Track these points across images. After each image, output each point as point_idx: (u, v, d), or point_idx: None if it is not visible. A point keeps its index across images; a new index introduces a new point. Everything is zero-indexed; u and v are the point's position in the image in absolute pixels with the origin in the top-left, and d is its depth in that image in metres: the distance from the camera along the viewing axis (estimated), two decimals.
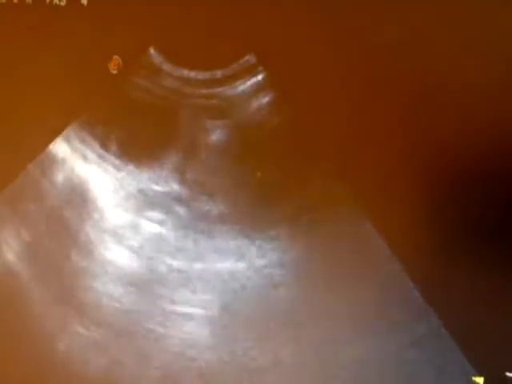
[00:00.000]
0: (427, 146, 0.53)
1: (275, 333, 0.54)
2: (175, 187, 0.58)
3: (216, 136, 0.57)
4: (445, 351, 0.52)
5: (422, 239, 0.52)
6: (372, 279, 0.54)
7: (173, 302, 0.55)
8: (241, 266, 0.56)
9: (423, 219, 0.52)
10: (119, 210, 0.58)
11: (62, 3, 0.57)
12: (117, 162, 0.59)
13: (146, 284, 0.56)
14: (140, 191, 0.58)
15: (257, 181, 0.56)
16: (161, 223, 0.58)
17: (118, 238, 0.57)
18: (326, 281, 0.54)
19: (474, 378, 0.51)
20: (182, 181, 0.58)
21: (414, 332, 0.52)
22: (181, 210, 0.57)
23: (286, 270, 0.55)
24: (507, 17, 0.49)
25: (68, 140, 0.59)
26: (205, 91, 0.58)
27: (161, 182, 0.58)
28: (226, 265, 0.56)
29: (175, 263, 0.56)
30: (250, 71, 0.56)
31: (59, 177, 0.59)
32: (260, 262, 0.55)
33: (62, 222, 0.58)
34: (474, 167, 0.51)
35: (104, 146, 0.59)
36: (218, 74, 0.57)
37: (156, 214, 0.58)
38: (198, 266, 0.56)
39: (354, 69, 0.54)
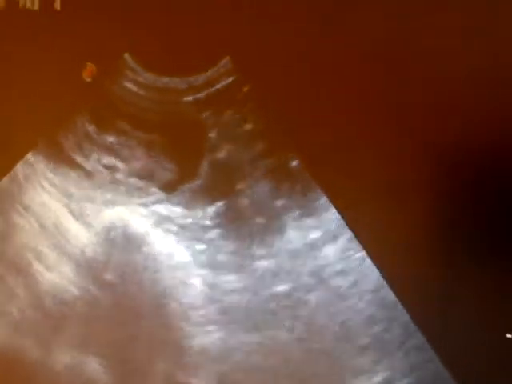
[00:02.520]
0: (424, 151, 0.52)
1: None
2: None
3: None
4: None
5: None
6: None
7: None
8: None
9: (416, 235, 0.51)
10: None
11: (35, 7, 0.55)
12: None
13: None
14: None
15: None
16: None
17: None
18: None
19: None
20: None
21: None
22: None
23: None
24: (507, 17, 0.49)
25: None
26: (182, 98, 0.56)
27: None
28: None
29: None
30: (227, 75, 0.55)
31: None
32: None
33: None
34: (475, 168, 0.51)
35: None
36: (195, 80, 0.55)
37: None
38: None
39: (335, 70, 0.53)
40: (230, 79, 0.55)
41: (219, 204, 0.56)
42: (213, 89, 0.55)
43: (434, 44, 0.51)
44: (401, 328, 0.52)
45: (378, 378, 0.51)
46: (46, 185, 0.57)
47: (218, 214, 0.56)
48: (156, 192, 0.57)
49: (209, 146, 0.56)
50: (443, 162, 0.52)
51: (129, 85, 0.57)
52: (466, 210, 0.52)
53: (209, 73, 0.55)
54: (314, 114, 0.54)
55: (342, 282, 0.54)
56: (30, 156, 0.58)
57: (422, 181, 0.52)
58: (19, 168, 0.57)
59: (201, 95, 0.55)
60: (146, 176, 0.57)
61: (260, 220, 0.55)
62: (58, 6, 0.55)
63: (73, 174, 0.58)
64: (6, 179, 0.57)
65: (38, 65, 0.57)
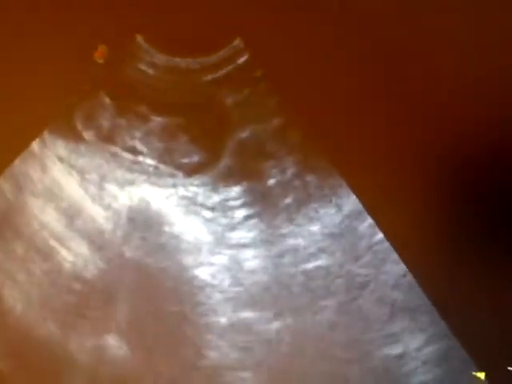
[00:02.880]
0: (430, 147, 0.53)
1: None
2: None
3: None
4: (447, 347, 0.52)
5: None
6: None
7: None
8: None
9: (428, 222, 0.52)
10: None
11: None
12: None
13: None
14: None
15: None
16: None
17: None
18: None
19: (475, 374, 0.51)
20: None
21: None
22: None
23: None
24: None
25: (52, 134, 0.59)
26: (197, 79, 0.57)
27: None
28: None
29: None
30: (238, 55, 0.55)
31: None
32: None
33: None
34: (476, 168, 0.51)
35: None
36: (207, 60, 0.56)
37: None
38: None
39: (344, 54, 0.54)
40: (243, 59, 0.55)
41: (243, 184, 0.57)
42: (228, 68, 0.56)
43: (440, 43, 0.52)
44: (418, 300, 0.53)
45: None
46: (62, 165, 0.58)
47: (242, 195, 0.57)
48: (178, 174, 0.57)
49: (231, 127, 0.56)
50: (459, 150, 0.52)
51: (142, 66, 0.58)
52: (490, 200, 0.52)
53: (221, 53, 0.55)
54: (328, 91, 0.54)
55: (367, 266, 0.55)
56: (45, 135, 0.58)
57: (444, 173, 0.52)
58: (35, 147, 0.58)
59: (217, 75, 0.56)
60: (167, 157, 0.57)
61: (286, 199, 0.56)
62: None
63: (89, 155, 0.58)
64: (21, 158, 0.58)
65: (51, 47, 0.57)
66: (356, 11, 0.52)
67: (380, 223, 0.54)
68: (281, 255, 0.56)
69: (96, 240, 0.57)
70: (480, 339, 0.51)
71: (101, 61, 0.57)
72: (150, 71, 0.57)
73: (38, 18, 0.57)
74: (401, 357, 0.52)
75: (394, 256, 0.54)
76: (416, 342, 0.52)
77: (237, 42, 0.55)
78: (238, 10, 0.54)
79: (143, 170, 0.58)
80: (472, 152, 0.51)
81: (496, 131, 0.50)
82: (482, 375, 0.51)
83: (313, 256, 0.55)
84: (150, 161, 0.58)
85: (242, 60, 0.55)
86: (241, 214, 0.57)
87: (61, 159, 0.58)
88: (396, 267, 0.54)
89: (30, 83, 0.57)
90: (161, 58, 0.57)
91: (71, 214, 0.57)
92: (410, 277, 0.53)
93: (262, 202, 0.56)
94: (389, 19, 0.52)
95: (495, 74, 0.51)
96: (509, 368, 0.50)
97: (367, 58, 0.53)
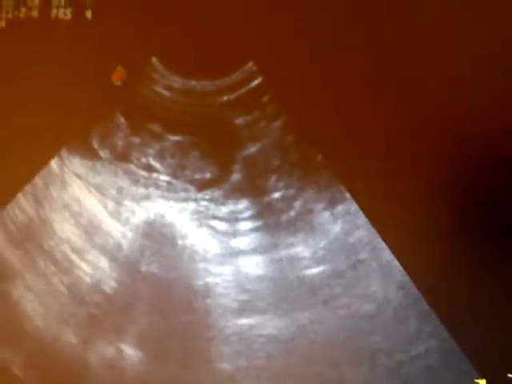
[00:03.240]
0: (429, 151, 0.54)
1: None
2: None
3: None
4: (449, 354, 0.53)
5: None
6: None
7: None
8: None
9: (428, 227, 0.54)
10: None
11: (68, 17, 0.58)
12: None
13: None
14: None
15: None
16: None
17: None
18: None
19: (477, 381, 0.52)
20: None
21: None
22: None
23: None
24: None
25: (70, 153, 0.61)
26: (211, 100, 0.59)
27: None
28: None
29: None
30: (252, 77, 0.58)
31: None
32: None
33: None
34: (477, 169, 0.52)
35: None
36: (221, 83, 0.58)
37: None
38: None
39: (354, 73, 0.56)
40: (256, 82, 0.57)
41: (250, 198, 0.59)
42: (241, 91, 0.58)
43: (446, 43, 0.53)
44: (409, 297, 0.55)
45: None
46: (80, 182, 0.61)
47: (249, 207, 0.59)
48: (190, 188, 0.60)
49: (240, 145, 0.58)
50: (459, 150, 0.53)
51: (158, 88, 0.60)
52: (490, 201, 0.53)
53: (234, 76, 0.58)
54: (336, 110, 0.56)
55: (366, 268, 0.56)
56: (64, 154, 0.61)
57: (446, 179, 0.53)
58: (53, 165, 0.61)
59: (230, 97, 0.58)
60: (180, 174, 0.60)
61: (290, 212, 0.58)
62: (89, 15, 0.58)
63: (106, 172, 0.61)
64: (41, 175, 0.60)
65: (70, 71, 0.60)
66: (365, 36, 0.55)
67: (381, 233, 0.56)
68: (285, 263, 0.58)
69: (114, 254, 0.59)
70: (481, 346, 0.52)
71: (118, 83, 0.60)
72: (166, 93, 0.60)
73: (59, 41, 0.59)
74: (403, 363, 0.54)
75: (396, 264, 0.55)
76: (418, 349, 0.54)
77: (250, 65, 0.57)
78: (250, 34, 0.57)
79: (157, 186, 0.60)
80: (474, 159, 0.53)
81: (498, 134, 0.51)
82: (482, 382, 0.52)
83: (315, 264, 0.57)
84: (164, 177, 0.60)
85: (254, 83, 0.57)
86: (247, 225, 0.59)
87: (79, 176, 0.61)
88: (397, 276, 0.56)
89: (50, 104, 0.59)
90: (176, 80, 0.60)
91: (90, 229, 0.60)
92: (411, 286, 0.55)
93: (267, 214, 0.59)
94: (397, 42, 0.54)
95: (495, 75, 0.52)
96: (509, 375, 0.51)
97: (375, 79, 0.55)
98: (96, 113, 0.60)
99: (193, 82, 0.59)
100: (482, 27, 0.52)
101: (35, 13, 0.58)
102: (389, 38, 0.54)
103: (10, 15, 0.58)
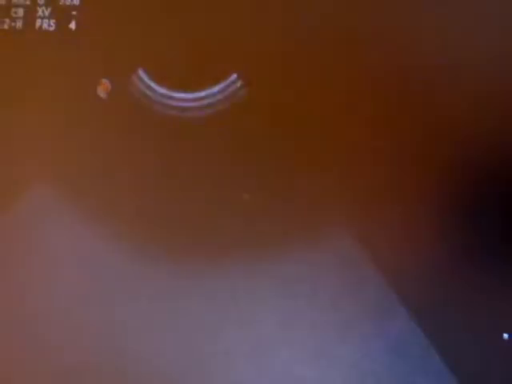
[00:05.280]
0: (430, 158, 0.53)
1: None
2: None
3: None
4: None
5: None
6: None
7: None
8: None
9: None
10: None
11: (51, 28, 0.58)
12: None
13: None
14: None
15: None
16: None
17: None
18: None
19: None
20: None
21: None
22: None
23: None
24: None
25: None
26: (193, 112, 0.59)
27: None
28: None
29: None
30: (235, 90, 0.57)
31: None
32: None
33: None
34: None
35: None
36: (204, 94, 0.57)
37: None
38: None
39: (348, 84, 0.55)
40: (239, 94, 0.57)
41: None
42: (222, 103, 0.57)
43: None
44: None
45: None
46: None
47: None
48: None
49: None
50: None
51: (143, 99, 0.60)
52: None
53: (217, 88, 0.57)
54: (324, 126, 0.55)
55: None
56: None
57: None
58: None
59: (211, 110, 0.58)
60: None
61: None
62: (73, 26, 0.58)
63: None
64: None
65: (54, 83, 0.60)
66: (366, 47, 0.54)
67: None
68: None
69: None
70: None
71: (104, 95, 0.59)
72: (149, 103, 0.59)
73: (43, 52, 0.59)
74: None
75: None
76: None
77: (233, 77, 0.57)
78: (235, 47, 0.56)
79: None
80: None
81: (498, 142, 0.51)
82: None
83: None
84: None
85: (237, 96, 0.57)
86: None
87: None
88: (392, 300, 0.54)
89: (30, 124, 0.59)
90: (161, 92, 0.59)
91: None
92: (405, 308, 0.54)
93: None
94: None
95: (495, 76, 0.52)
96: None
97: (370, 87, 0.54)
98: (80, 126, 0.60)
99: (177, 94, 0.59)
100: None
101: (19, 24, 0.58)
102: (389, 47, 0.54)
103: None
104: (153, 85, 0.59)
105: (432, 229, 0.53)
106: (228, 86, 0.57)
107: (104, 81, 0.59)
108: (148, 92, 0.59)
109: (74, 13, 0.58)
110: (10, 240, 0.61)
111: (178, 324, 0.56)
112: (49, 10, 0.59)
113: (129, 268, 0.58)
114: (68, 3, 0.59)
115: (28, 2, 0.60)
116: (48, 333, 0.59)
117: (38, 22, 0.58)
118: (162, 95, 0.59)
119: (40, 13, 0.58)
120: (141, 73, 0.59)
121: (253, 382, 0.55)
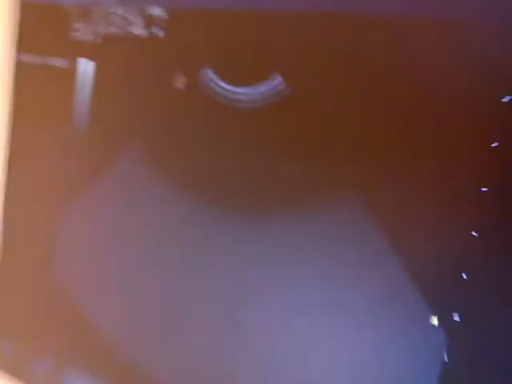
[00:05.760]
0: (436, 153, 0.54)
1: None
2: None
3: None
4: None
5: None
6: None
7: None
8: None
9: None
10: None
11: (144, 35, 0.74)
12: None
13: None
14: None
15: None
16: None
17: None
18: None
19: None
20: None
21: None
22: None
23: None
24: None
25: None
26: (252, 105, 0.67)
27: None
28: None
29: None
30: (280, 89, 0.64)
31: None
32: None
33: None
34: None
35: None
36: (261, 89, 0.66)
37: None
38: None
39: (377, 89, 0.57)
40: (283, 94, 0.63)
41: None
42: (270, 98, 0.64)
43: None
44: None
45: None
46: None
47: None
48: None
49: None
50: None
51: (210, 91, 0.70)
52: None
53: (265, 86, 0.64)
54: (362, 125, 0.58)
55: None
56: None
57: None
58: None
59: (261, 103, 0.65)
60: None
61: None
62: (161, 34, 0.73)
63: None
64: None
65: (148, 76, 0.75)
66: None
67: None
68: None
69: None
70: None
71: (181, 88, 0.73)
72: (217, 98, 0.69)
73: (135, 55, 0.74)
74: None
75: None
76: None
77: (277, 77, 0.63)
78: (282, 55, 0.62)
79: None
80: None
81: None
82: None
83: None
84: None
85: (280, 95, 0.63)
86: None
87: None
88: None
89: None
90: (225, 86, 0.68)
91: None
92: None
93: None
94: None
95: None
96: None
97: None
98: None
99: (239, 89, 0.67)
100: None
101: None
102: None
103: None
104: (218, 81, 0.70)
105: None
106: (275, 86, 0.64)
107: (180, 75, 0.73)
108: (214, 86, 0.70)
109: (162, 24, 0.73)
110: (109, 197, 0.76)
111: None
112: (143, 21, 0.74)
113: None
114: (159, 16, 0.73)
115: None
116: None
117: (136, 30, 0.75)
118: (225, 89, 0.69)
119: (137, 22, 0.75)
120: (209, 71, 0.71)
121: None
